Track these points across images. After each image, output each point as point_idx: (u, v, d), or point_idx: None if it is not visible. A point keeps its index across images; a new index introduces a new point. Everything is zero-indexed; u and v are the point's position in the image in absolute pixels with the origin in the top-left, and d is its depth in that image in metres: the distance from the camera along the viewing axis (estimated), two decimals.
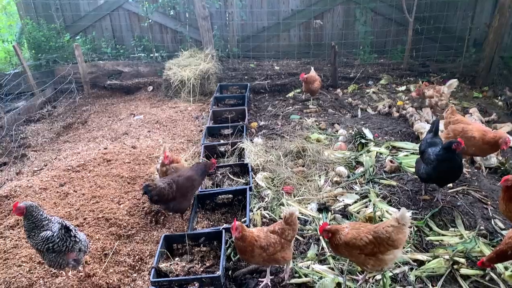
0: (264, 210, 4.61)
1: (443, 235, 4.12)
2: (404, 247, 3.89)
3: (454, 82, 6.87)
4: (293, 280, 3.63)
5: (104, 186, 5.25)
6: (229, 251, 4.07)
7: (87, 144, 6.81)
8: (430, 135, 4.71)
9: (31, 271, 3.86)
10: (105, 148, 6.35)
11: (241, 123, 6.67)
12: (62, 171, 5.66)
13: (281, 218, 4.37)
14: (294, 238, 3.61)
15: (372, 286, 3.52)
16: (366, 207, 4.54)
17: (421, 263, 3.77)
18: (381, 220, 4.24)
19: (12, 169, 6.12)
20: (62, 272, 3.79)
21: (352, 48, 10.00)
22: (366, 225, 3.41)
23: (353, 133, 6.35)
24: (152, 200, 4.31)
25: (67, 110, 8.65)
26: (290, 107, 7.77)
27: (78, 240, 3.51)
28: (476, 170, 5.26)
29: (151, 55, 10.22)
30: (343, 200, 4.71)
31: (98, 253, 4.08)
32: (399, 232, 3.15)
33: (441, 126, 5.98)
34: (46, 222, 3.51)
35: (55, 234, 3.41)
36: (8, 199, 5.04)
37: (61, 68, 9.50)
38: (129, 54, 10.46)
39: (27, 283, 3.71)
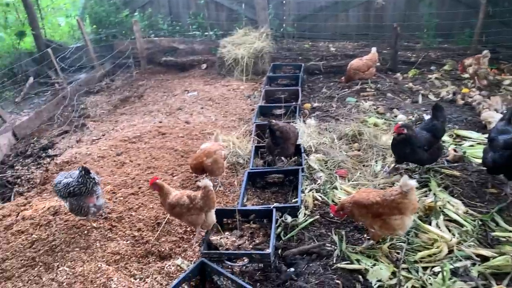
0: (316, 192, 4.49)
1: (511, 231, 3.81)
2: (465, 241, 3.65)
3: (487, 53, 7.03)
4: (344, 265, 3.50)
5: (159, 158, 5.36)
6: (279, 229, 4.01)
7: (143, 117, 6.98)
8: (502, 123, 4.36)
9: (88, 234, 4.01)
10: (160, 122, 6.48)
11: (294, 103, 6.52)
12: (119, 141, 5.85)
13: (333, 201, 4.29)
14: (207, 210, 3.70)
15: (430, 278, 3.33)
16: (426, 196, 4.28)
17: (485, 258, 3.50)
18: (442, 211, 4.00)
19: (72, 137, 6.41)
20: (117, 238, 3.91)
21: (414, 31, 9.43)
22: (375, 190, 3.69)
23: (413, 119, 6.02)
24: (274, 136, 4.64)
25: (124, 84, 8.92)
26: (346, 90, 7.50)
27: (97, 182, 3.76)
28: None
29: (206, 33, 10.24)
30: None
31: (152, 221, 4.17)
32: (404, 198, 3.33)
33: None
34: (67, 174, 3.90)
35: (74, 179, 3.71)
36: (69, 165, 5.29)
37: (120, 43, 9.78)
38: (185, 32, 10.54)
39: (84, 244, 3.87)
